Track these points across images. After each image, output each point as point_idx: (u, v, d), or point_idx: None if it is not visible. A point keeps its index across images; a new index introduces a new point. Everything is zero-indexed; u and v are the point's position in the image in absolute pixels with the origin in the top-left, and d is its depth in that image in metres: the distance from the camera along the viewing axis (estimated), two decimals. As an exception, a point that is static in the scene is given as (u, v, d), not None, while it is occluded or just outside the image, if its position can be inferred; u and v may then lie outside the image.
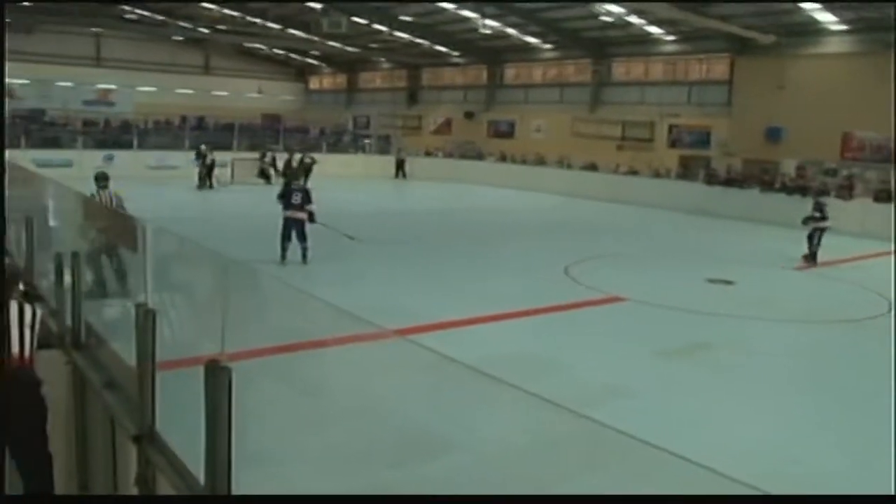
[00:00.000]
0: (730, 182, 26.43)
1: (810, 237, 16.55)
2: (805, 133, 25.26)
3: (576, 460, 2.81)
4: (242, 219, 19.08)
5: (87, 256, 5.50)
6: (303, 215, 13.54)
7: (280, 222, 13.63)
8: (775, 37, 26.10)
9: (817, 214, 16.73)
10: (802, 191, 23.45)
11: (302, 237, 13.46)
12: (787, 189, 24.24)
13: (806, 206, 18.06)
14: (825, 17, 24.92)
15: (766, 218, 22.61)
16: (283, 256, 13.45)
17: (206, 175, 26.99)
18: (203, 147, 27.87)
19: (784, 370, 8.84)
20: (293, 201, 13.54)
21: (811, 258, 16.41)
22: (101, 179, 11.31)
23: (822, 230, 16.59)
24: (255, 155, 30.81)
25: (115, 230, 4.96)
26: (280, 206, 13.70)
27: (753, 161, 27.27)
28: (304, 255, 13.46)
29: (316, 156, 30.61)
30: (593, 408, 6.13)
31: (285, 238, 13.46)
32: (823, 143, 25.11)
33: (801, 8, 24.61)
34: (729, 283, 13.69)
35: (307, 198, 13.70)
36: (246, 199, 24.11)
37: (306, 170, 26.14)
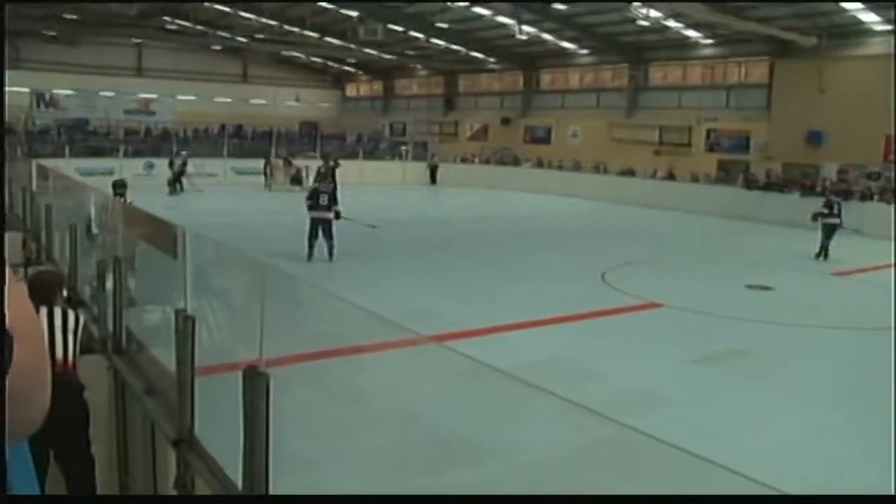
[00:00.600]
0: (769, 186, 26.08)
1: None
2: (847, 136, 24.81)
3: (612, 468, 2.80)
4: (270, 227, 19.27)
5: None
6: (330, 215, 14.24)
7: (308, 222, 14.34)
8: (816, 39, 25.71)
9: (825, 211, 17.50)
10: (844, 194, 23.03)
11: (329, 235, 14.14)
12: (828, 193, 23.83)
13: (849, 210, 17.79)
14: (869, 18, 24.49)
15: (807, 223, 22.25)
16: (310, 255, 14.10)
17: (174, 180, 27.59)
18: (184, 153, 29.09)
19: (824, 378, 8.68)
20: (321, 202, 14.28)
21: (825, 254, 17.00)
22: (119, 187, 11.87)
23: (833, 227, 17.26)
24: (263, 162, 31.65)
25: (154, 237, 5.06)
26: (307, 208, 14.51)
27: (793, 165, 26.88)
28: (331, 253, 14.14)
29: (353, 162, 31.73)
30: (630, 415, 6.09)
31: (312, 236, 14.18)
32: (866, 147, 24.65)
33: (844, 8, 24.22)
34: (768, 288, 13.49)
35: (333, 199, 14.47)
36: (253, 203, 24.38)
37: (332, 172, 27.01)
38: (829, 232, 17.21)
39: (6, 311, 0.83)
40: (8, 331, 0.80)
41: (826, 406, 7.75)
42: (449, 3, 30.46)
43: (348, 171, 33.22)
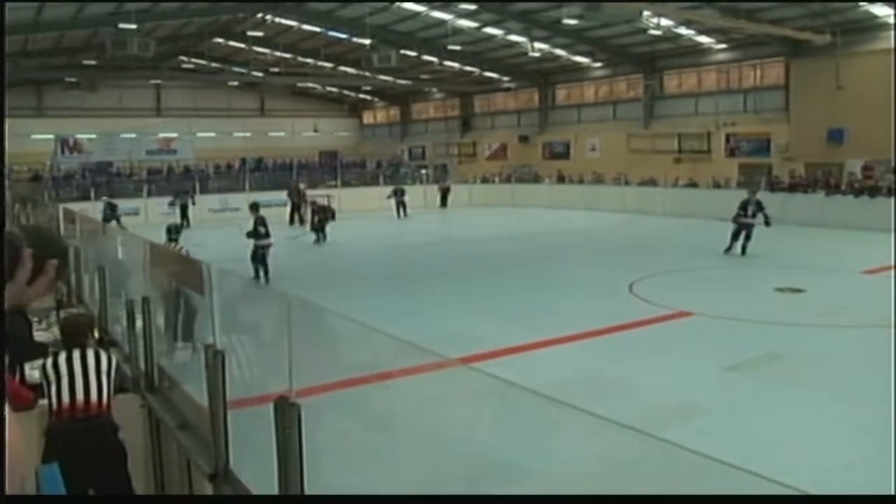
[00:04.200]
0: (793, 187, 25.82)
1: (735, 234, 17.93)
2: (869, 132, 24.52)
3: (649, 483, 2.75)
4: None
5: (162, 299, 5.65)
6: (270, 241, 15.59)
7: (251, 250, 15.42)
8: (830, 36, 25.52)
9: (741, 212, 18.01)
10: (871, 191, 22.75)
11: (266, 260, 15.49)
12: (855, 191, 23.54)
13: (876, 206, 17.49)
14: (883, 11, 24.30)
15: (833, 222, 22.02)
16: (258, 276, 15.18)
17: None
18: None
19: (861, 379, 8.51)
20: (267, 232, 15.56)
21: (742, 251, 17.70)
22: (173, 231, 11.13)
23: (749, 226, 17.87)
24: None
25: (181, 274, 5.10)
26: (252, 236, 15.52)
27: (816, 165, 26.61)
28: (267, 274, 15.39)
29: (375, 189, 34.34)
30: (665, 428, 6.03)
31: (258, 261, 15.33)
32: (889, 141, 24.33)
33: (857, 3, 24.06)
34: (798, 291, 13.32)
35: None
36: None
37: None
38: (737, 232, 17.85)
39: None
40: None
41: (868, 407, 7.58)
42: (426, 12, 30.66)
43: (370, 197, 33.47)
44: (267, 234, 15.48)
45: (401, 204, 30.91)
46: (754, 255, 18.43)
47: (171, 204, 29.01)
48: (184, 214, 27.95)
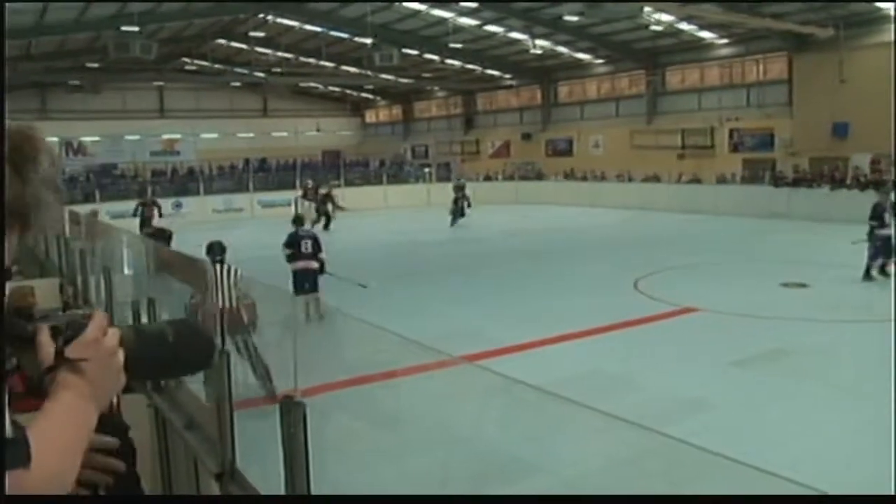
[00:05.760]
0: (797, 182, 25.77)
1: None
2: (873, 126, 24.40)
3: (657, 480, 2.76)
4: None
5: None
6: (315, 265, 11.54)
7: (291, 276, 11.38)
8: (833, 30, 25.44)
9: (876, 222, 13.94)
10: (876, 185, 22.66)
11: (315, 289, 11.35)
12: (860, 185, 23.48)
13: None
14: (886, 4, 24.20)
15: (838, 216, 21.94)
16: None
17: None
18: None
19: (866, 375, 8.49)
20: (303, 250, 11.51)
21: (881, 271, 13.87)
22: (217, 251, 8.70)
23: (887, 238, 13.78)
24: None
25: (188, 278, 5.10)
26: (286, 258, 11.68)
27: (820, 159, 26.54)
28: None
29: (378, 188, 34.30)
30: (672, 424, 6.02)
31: (300, 292, 10.93)
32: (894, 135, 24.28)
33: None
34: (803, 286, 13.30)
35: (317, 245, 11.74)
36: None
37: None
38: (879, 248, 13.64)
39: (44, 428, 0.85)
40: (25, 437, 0.82)
41: (873, 403, 7.56)
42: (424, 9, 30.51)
43: (374, 197, 33.49)
44: (299, 256, 11.45)
45: (458, 212, 27.12)
46: (759, 251, 18.39)
47: (135, 213, 24.16)
48: (145, 224, 23.00)
